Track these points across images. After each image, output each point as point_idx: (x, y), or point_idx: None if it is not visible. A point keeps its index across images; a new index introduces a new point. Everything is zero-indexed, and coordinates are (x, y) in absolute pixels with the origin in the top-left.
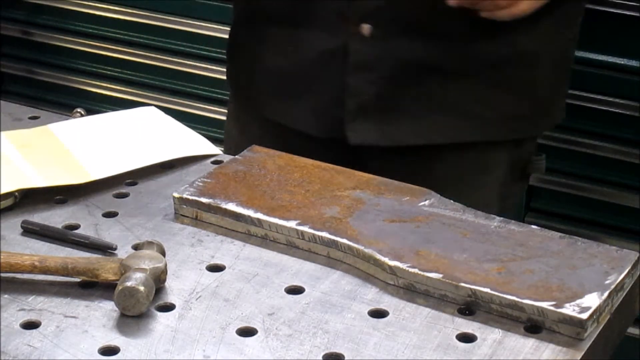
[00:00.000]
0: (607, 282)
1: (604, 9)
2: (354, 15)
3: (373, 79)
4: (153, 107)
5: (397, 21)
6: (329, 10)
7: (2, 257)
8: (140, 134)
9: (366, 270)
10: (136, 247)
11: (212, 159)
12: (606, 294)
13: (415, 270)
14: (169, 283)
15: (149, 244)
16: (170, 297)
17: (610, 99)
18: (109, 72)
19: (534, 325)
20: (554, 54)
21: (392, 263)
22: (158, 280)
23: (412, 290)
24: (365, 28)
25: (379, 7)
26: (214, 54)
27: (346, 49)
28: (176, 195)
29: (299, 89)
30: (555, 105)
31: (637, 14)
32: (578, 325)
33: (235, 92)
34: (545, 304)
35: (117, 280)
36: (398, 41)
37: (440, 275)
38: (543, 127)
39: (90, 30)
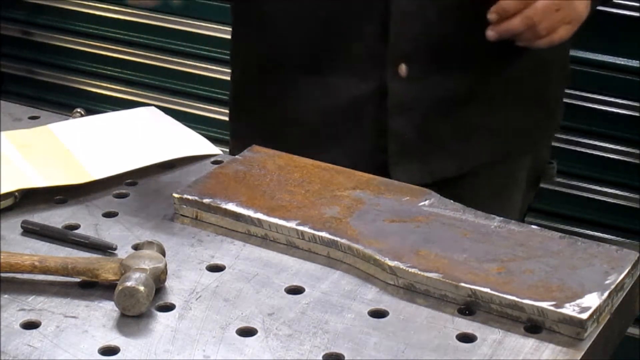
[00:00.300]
0: (607, 282)
1: (604, 9)
2: (390, 56)
3: (413, 119)
4: (153, 107)
5: (433, 58)
6: (362, 53)
7: (2, 257)
8: (140, 134)
9: (366, 270)
10: (136, 247)
11: (212, 159)
12: (606, 294)
13: (415, 270)
14: (169, 283)
15: (149, 244)
16: (170, 297)
17: (610, 99)
18: (109, 72)
19: (534, 325)
20: (561, 57)
21: (392, 263)
22: (158, 280)
23: (412, 290)
24: (403, 69)
25: (416, 46)
26: (214, 54)
27: (383, 92)
28: (176, 195)
29: (334, 137)
30: (560, 107)
31: (637, 14)
32: (578, 325)
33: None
34: (545, 304)
35: (117, 280)
36: (435, 78)
37: (440, 275)
38: (554, 131)
39: (90, 30)
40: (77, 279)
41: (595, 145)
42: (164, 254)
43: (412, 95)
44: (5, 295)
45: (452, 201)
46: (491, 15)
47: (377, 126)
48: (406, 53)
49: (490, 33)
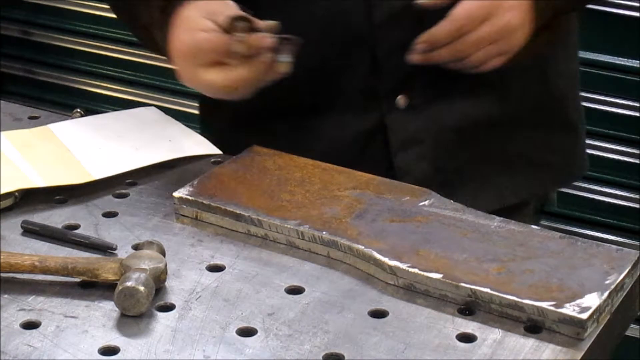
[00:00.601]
0: (607, 282)
1: (604, 9)
2: (386, 88)
3: (422, 153)
4: (153, 107)
5: (431, 85)
6: (355, 89)
7: (2, 257)
8: (141, 134)
9: (366, 270)
10: (136, 247)
11: (212, 159)
12: (606, 294)
13: (415, 270)
14: (169, 283)
15: (149, 244)
16: (170, 297)
17: (610, 99)
18: (109, 72)
19: (534, 325)
20: (572, 63)
21: (392, 263)
22: (158, 280)
23: (412, 290)
24: (401, 100)
25: (411, 74)
26: None
27: (383, 127)
28: (176, 195)
29: None
30: (583, 131)
31: (637, 14)
32: (578, 325)
33: None
34: (545, 304)
35: (117, 280)
36: (437, 106)
37: (440, 275)
38: (581, 164)
39: (90, 30)
40: (77, 279)
41: (595, 145)
42: (164, 254)
43: (416, 128)
44: (5, 295)
45: (452, 201)
46: (419, 46)
47: (382, 165)
48: (402, 83)
49: (413, 57)
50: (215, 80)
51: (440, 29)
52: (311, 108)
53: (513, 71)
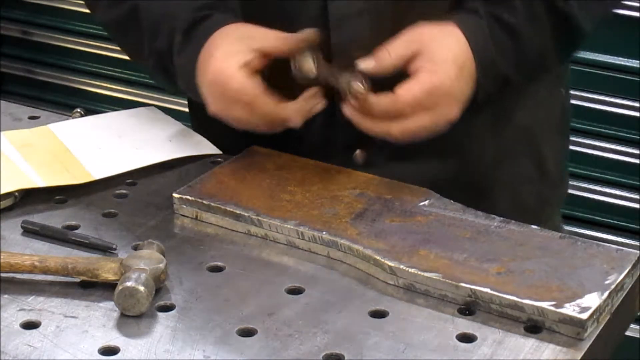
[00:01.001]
0: (607, 282)
1: None
2: (342, 141)
3: None
4: (153, 107)
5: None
6: (311, 140)
7: (2, 257)
8: (141, 134)
9: (366, 270)
10: (136, 247)
11: (212, 159)
12: (606, 294)
13: (415, 270)
14: (169, 283)
15: (149, 244)
16: (170, 297)
17: (610, 99)
18: (109, 72)
19: (534, 325)
20: (552, 118)
21: (392, 263)
22: (158, 280)
23: (412, 290)
24: (358, 155)
25: None
26: None
27: None
28: (176, 195)
29: None
30: (565, 175)
31: (637, 14)
32: (578, 325)
33: None
34: (545, 304)
35: (117, 280)
36: (398, 164)
37: (440, 275)
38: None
39: (90, 30)
40: (77, 279)
41: (596, 145)
42: (163, 254)
43: None
44: (5, 295)
45: (452, 201)
46: (352, 101)
47: None
48: (358, 137)
49: (345, 110)
50: (241, 118)
51: (379, 105)
52: None
53: (482, 131)
